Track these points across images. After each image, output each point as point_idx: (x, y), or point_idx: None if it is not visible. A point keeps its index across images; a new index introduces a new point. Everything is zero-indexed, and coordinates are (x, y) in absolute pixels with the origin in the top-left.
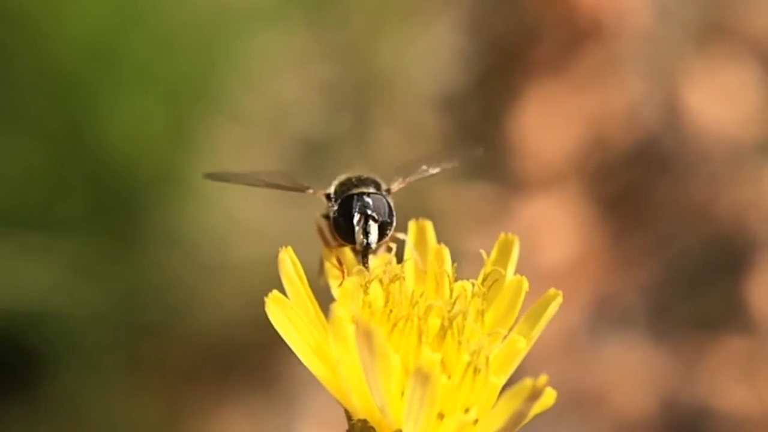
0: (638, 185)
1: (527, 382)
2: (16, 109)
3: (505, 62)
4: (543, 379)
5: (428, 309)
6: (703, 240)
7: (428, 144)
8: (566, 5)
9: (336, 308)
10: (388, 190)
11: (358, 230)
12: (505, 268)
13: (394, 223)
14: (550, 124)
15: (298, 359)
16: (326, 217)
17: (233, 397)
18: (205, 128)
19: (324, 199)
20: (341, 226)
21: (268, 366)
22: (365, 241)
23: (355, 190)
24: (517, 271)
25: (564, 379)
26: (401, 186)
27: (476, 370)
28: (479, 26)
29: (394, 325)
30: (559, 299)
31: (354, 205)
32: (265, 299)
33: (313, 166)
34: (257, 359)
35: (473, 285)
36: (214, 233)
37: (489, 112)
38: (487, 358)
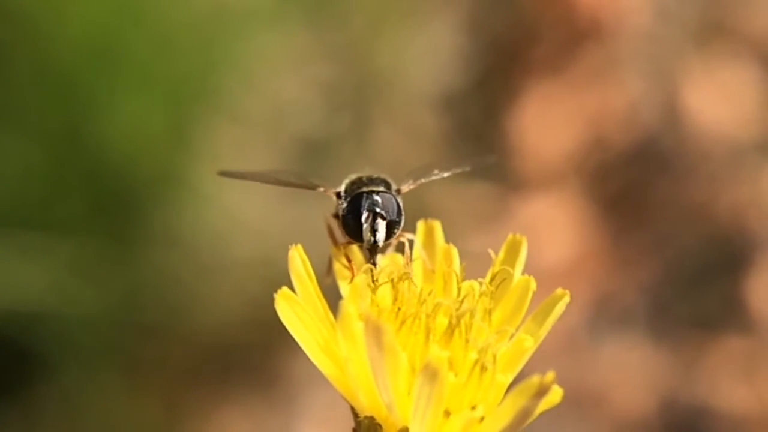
0: (638, 185)
1: (534, 379)
2: (15, 109)
3: (504, 62)
4: (550, 375)
5: (436, 307)
6: (702, 240)
7: (428, 144)
8: (566, 5)
9: (345, 305)
10: (399, 191)
11: (366, 228)
12: (513, 267)
13: (403, 223)
14: (550, 123)
15: (300, 358)
16: (336, 216)
17: (233, 397)
18: (204, 128)
19: (334, 198)
20: (349, 224)
21: (267, 366)
22: (373, 238)
23: (365, 189)
24: None
25: (563, 379)
26: (412, 187)
27: (483, 368)
28: (478, 26)
29: (402, 323)
30: (567, 299)
31: (363, 203)
32: (274, 296)
33: (313, 166)
34: (257, 359)
35: (481, 284)
36: (213, 233)
37: (488, 111)
38: (494, 357)
